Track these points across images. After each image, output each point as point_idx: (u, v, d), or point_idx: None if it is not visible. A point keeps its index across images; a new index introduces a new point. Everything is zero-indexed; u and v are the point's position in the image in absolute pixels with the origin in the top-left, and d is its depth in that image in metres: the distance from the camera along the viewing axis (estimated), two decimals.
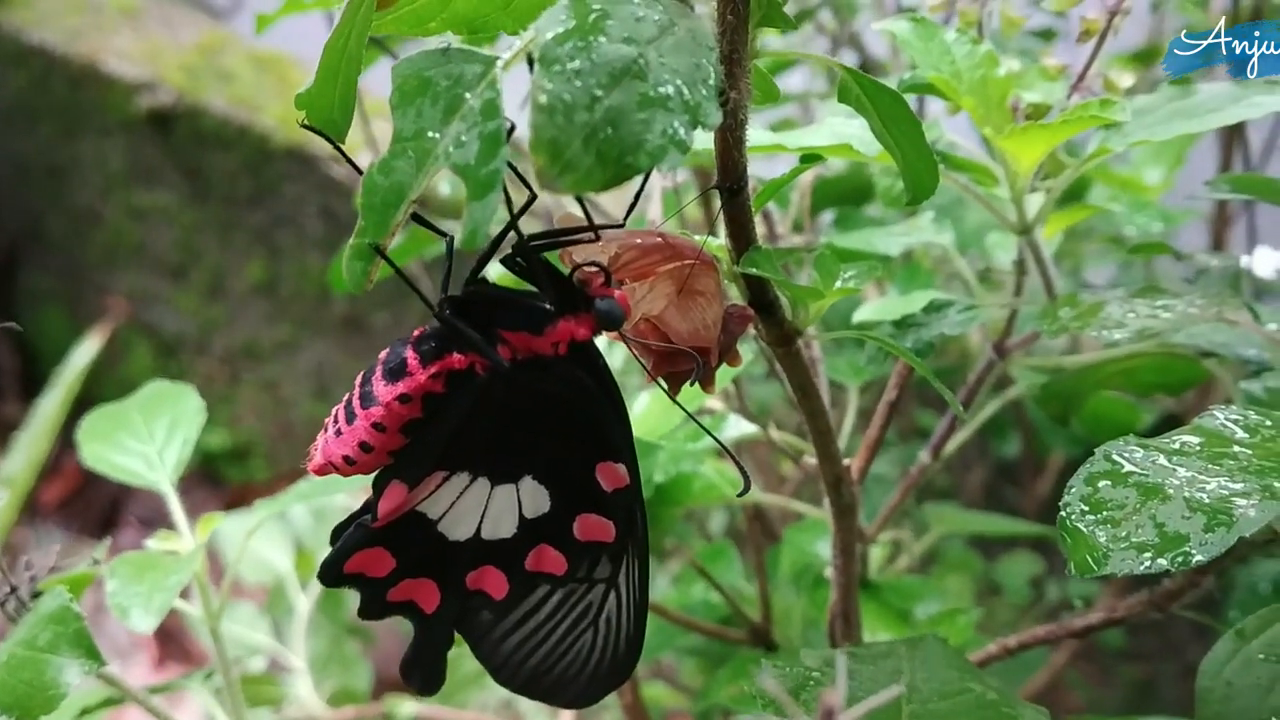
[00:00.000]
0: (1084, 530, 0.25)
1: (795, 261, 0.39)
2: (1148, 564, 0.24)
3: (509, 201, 0.26)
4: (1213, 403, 0.33)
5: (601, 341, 0.28)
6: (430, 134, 0.21)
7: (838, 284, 0.30)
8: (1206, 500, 0.25)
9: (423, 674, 0.31)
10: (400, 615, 0.30)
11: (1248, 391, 0.38)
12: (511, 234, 0.27)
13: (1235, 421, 0.28)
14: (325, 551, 0.29)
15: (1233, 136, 0.64)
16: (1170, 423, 0.57)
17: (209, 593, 0.41)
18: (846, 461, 0.36)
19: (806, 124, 0.56)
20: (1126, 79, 0.37)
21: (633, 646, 0.30)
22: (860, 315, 0.41)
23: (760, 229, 0.34)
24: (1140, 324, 0.34)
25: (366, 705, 0.68)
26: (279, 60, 1.17)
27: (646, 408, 0.42)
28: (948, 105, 0.38)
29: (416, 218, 0.26)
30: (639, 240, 0.28)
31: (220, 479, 1.22)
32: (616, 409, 0.28)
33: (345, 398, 0.28)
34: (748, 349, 0.41)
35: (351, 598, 0.30)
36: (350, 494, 0.45)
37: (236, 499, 1.04)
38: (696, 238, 0.28)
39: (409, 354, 0.27)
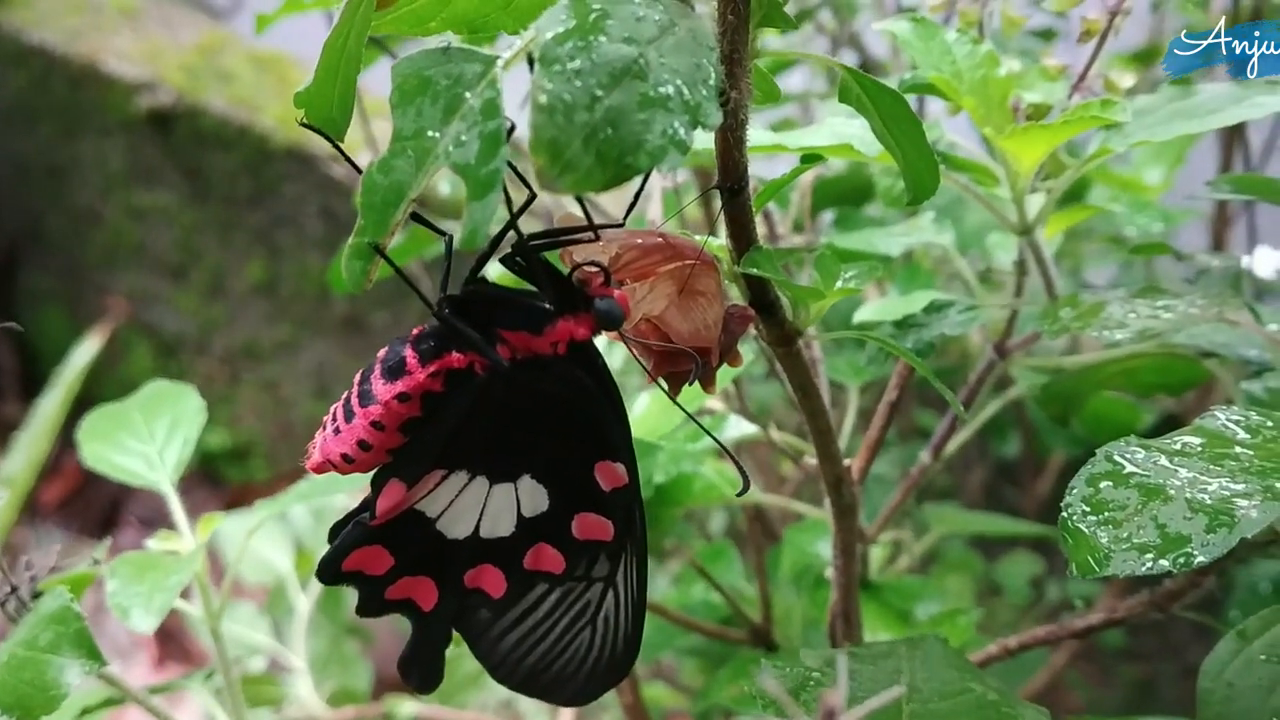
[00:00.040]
0: (1085, 531, 0.25)
1: (796, 262, 0.39)
2: (1149, 565, 0.24)
3: (509, 201, 0.26)
4: (1214, 403, 0.33)
5: (601, 341, 0.28)
6: (430, 133, 0.21)
7: (838, 284, 0.30)
8: (1208, 501, 0.25)
9: (421, 672, 0.31)
10: (398, 613, 0.30)
11: (1249, 392, 0.38)
12: (511, 233, 0.27)
13: (1237, 422, 0.28)
14: (324, 550, 0.29)
15: (1233, 137, 0.64)
16: (1171, 423, 0.57)
17: (209, 593, 0.41)
18: (847, 462, 0.36)
19: (806, 124, 0.56)
20: (1127, 79, 0.37)
21: (631, 645, 0.30)
22: (861, 315, 0.41)
23: (761, 229, 0.34)
24: (1141, 324, 0.34)
25: (366, 705, 0.68)
26: (279, 60, 1.17)
27: (647, 408, 0.42)
28: (948, 105, 0.38)
29: (416, 217, 0.26)
30: (639, 240, 0.28)
31: (220, 479, 1.22)
32: (615, 409, 0.28)
33: (344, 396, 0.28)
34: (748, 349, 0.41)
35: (351, 597, 0.30)
36: (349, 494, 0.45)
37: (236, 499, 1.04)
38: (697, 238, 0.28)
39: (408, 353, 0.27)
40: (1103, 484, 0.26)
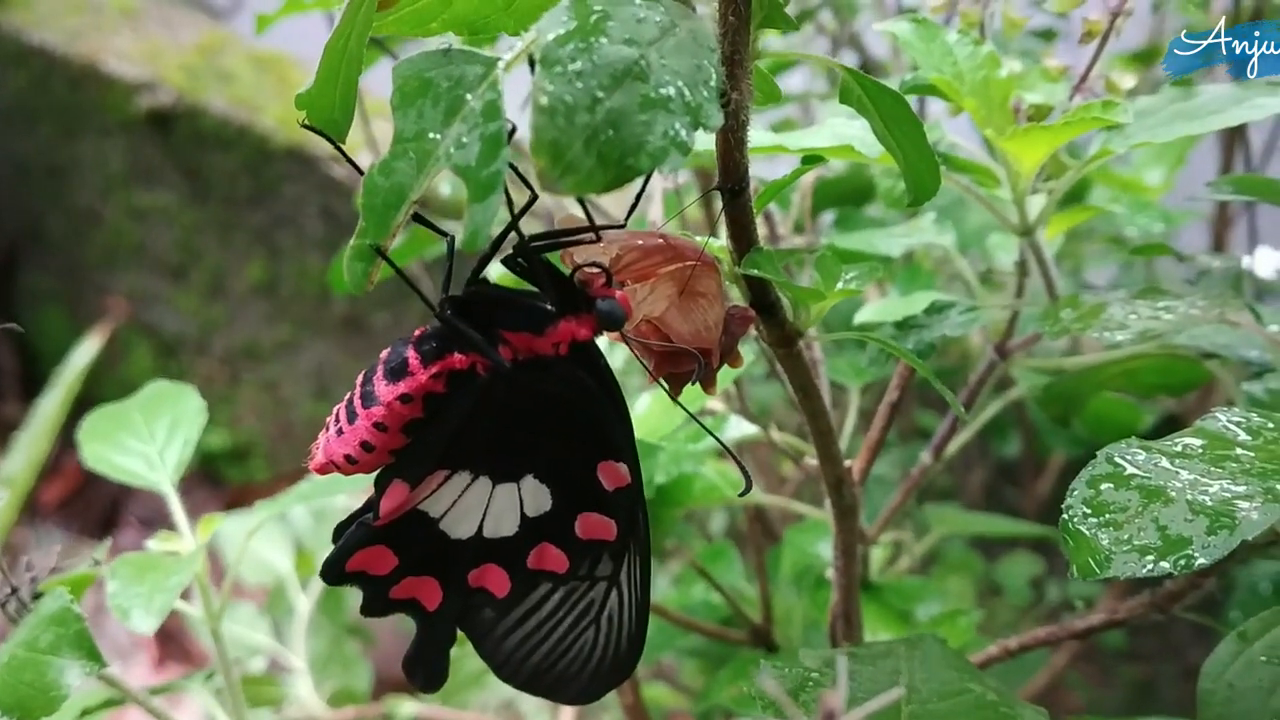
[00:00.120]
0: (1086, 533, 0.25)
1: (796, 262, 0.39)
2: (1150, 567, 0.24)
3: (510, 202, 0.26)
4: (1214, 404, 0.33)
5: (603, 342, 0.28)
6: (431, 135, 0.21)
7: (839, 285, 0.30)
8: (1209, 503, 0.25)
9: (425, 671, 0.31)
10: (403, 613, 0.30)
11: (1250, 393, 0.38)
12: (513, 234, 0.27)
13: (1237, 424, 0.28)
14: (326, 551, 0.29)
15: (1234, 137, 0.64)
16: (1172, 424, 0.57)
17: (209, 593, 0.41)
18: (848, 463, 0.36)
19: (807, 124, 0.56)
20: (1128, 80, 0.37)
21: (634, 644, 0.30)
22: (862, 316, 0.41)
23: (761, 230, 0.34)
24: (1142, 325, 0.34)
25: (367, 705, 0.68)
26: (279, 60, 1.17)
27: (648, 408, 0.42)
28: (949, 106, 0.38)
29: (417, 218, 0.26)
30: (640, 241, 0.28)
31: (220, 479, 1.22)
32: (618, 409, 0.28)
33: (347, 397, 0.28)
34: (749, 350, 0.41)
35: (352, 598, 0.30)
36: (351, 494, 0.45)
37: (237, 499, 1.04)
38: (698, 239, 0.28)
39: (410, 354, 0.27)
40: (1104, 486, 0.26)
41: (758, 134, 0.36)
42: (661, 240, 0.28)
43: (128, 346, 1.24)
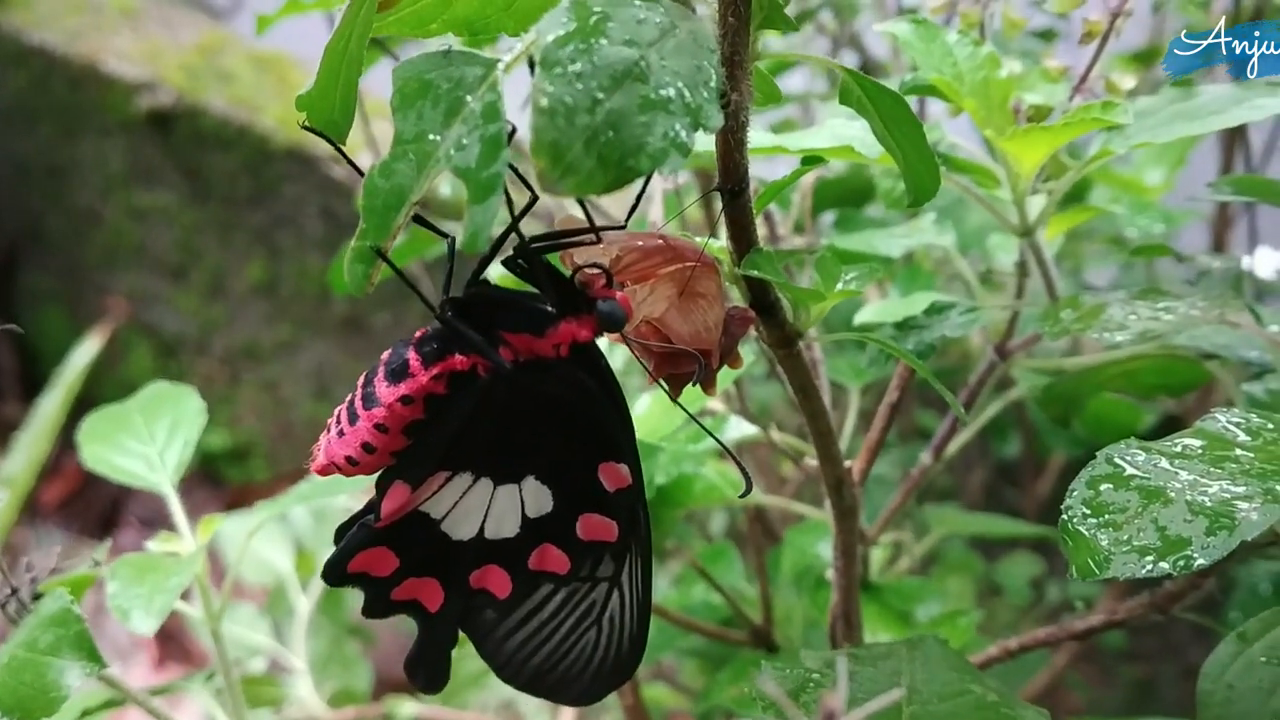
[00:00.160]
0: (1086, 533, 0.25)
1: (796, 263, 0.39)
2: (1149, 567, 0.24)
3: (510, 203, 0.26)
4: (1214, 405, 0.33)
5: (603, 343, 0.28)
6: (431, 136, 0.21)
7: (839, 286, 0.30)
8: (1208, 503, 0.25)
9: (427, 672, 0.31)
10: (404, 614, 0.30)
11: (1250, 394, 0.38)
12: (513, 236, 0.27)
13: (1237, 424, 0.28)
14: (326, 552, 0.29)
15: (1234, 138, 0.64)
16: (1172, 424, 0.57)
17: (210, 594, 0.41)
18: (848, 463, 0.36)
19: (807, 125, 0.56)
20: (1128, 81, 0.37)
21: (636, 645, 0.30)
22: (861, 317, 0.41)
23: (761, 231, 0.34)
24: (1142, 326, 0.34)
25: (367, 706, 0.68)
26: (279, 60, 1.17)
27: (648, 409, 0.42)
28: (949, 107, 0.38)
29: (418, 219, 0.26)
30: (640, 242, 0.28)
31: (221, 479, 1.22)
32: (618, 409, 0.28)
33: (348, 398, 0.28)
34: (749, 350, 0.41)
35: (352, 598, 0.30)
36: (351, 495, 0.45)
37: (237, 500, 1.04)
38: (698, 240, 0.28)
39: (411, 355, 0.27)
40: (1103, 486, 0.26)
41: (758, 135, 0.36)
42: (661, 241, 0.28)
43: (128, 346, 1.24)
